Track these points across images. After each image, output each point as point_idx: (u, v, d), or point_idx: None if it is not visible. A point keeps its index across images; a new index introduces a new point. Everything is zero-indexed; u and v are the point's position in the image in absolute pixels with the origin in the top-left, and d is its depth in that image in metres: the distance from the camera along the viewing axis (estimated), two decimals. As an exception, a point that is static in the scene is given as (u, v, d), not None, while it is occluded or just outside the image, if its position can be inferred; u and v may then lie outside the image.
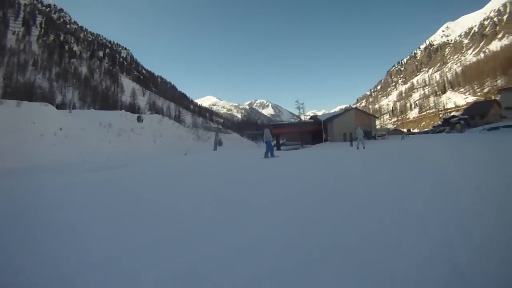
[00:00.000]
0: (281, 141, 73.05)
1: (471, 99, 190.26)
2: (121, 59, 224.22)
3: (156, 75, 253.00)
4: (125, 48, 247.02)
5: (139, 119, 63.16)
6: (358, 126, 32.57)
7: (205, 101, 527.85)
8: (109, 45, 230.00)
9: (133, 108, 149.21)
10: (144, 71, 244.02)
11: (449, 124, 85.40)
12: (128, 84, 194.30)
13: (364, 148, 25.42)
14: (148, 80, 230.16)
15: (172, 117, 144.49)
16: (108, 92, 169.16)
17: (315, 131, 70.42)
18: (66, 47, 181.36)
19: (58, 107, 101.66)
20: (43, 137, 58.50)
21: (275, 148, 26.52)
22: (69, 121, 69.41)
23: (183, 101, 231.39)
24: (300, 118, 74.97)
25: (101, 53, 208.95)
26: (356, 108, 71.82)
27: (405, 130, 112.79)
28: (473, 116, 79.00)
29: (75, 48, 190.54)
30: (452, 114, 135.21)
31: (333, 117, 70.24)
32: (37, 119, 62.53)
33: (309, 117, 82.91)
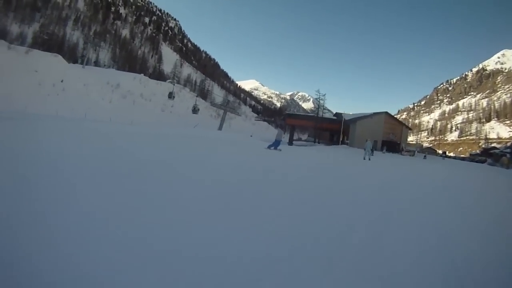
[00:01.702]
0: (301, 137, 62.05)
1: None
2: (167, 28, 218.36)
3: (202, 50, 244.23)
4: (175, 19, 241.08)
5: (170, 96, 55.83)
6: (372, 138, 32.64)
7: (247, 84, 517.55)
8: (159, 13, 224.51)
9: (163, 75, 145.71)
10: (189, 44, 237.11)
11: (491, 155, 78.19)
12: (168, 53, 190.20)
13: (369, 159, 24.79)
14: (190, 53, 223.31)
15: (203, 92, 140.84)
16: (144, 57, 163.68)
17: (334, 130, 61.33)
18: (113, 8, 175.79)
19: (84, 63, 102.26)
20: (40, 86, 57.97)
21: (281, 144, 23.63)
22: (74, 75, 66.74)
23: (222, 79, 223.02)
24: (317, 113, 62.75)
25: (147, 20, 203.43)
26: (387, 112, 58.44)
27: (440, 151, 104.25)
28: None
29: (122, 10, 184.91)
30: (493, 145, 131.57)
31: (357, 118, 59.59)
32: (41, 68, 61.62)
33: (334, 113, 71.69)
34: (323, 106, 62.41)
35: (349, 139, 57.67)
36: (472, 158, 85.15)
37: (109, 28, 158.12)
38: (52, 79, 58.83)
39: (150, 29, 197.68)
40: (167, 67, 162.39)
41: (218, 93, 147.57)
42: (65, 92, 58.98)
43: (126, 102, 74.66)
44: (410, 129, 67.48)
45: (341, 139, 56.66)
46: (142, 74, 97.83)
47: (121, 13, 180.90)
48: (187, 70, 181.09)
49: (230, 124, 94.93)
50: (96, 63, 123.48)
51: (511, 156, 62.79)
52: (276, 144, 21.80)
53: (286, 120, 68.79)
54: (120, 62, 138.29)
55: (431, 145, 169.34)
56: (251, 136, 53.10)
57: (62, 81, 59.90)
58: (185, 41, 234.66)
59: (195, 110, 56.37)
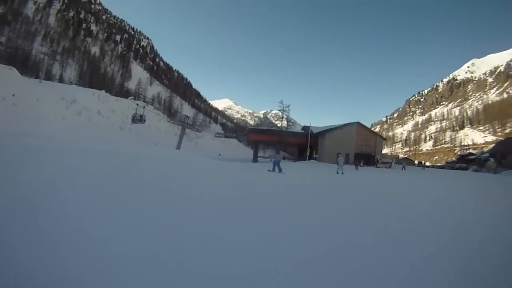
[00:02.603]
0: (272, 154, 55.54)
1: (490, 138, 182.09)
2: (138, 47, 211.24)
3: (174, 69, 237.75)
4: (147, 38, 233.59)
5: (134, 119, 47.59)
6: (344, 151, 33.22)
7: (221, 104, 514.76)
8: (131, 31, 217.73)
9: (129, 93, 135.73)
10: (161, 63, 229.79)
11: (471, 161, 78.09)
12: (138, 72, 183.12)
13: (343, 173, 24.21)
14: (162, 72, 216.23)
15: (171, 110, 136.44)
16: (113, 75, 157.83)
17: (302, 145, 53.57)
18: (84, 25, 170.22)
19: (49, 79, 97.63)
20: (-13, 100, 55.52)
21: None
22: (28, 89, 60.07)
23: (194, 98, 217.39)
24: (281, 126, 56.37)
25: (119, 37, 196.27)
26: (359, 123, 51.79)
27: (416, 162, 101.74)
28: (504, 155, 61.49)
29: (93, 27, 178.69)
30: (469, 151, 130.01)
31: (326, 130, 53.10)
32: (-8, 81, 59.76)
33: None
34: (287, 117, 55.43)
35: (318, 154, 51.06)
36: (452, 166, 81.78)
37: (79, 45, 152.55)
38: (2, 93, 52.72)
39: (121, 47, 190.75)
40: (135, 86, 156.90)
41: (187, 112, 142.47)
42: (15, 107, 53.17)
43: (81, 119, 68.47)
44: (384, 139, 61.13)
45: (308, 153, 49.21)
46: (103, 91, 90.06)
47: (92, 30, 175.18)
48: (157, 88, 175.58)
49: (197, 143, 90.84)
50: (61, 79, 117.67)
51: (495, 160, 57.91)
52: (276, 164, 19.82)
53: (248, 135, 61.04)
54: (86, 79, 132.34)
55: (406, 155, 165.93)
56: (219, 155, 52.74)
57: (13, 95, 54.04)
58: (157, 60, 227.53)
59: (134, 119, 47.14)
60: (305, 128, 59.77)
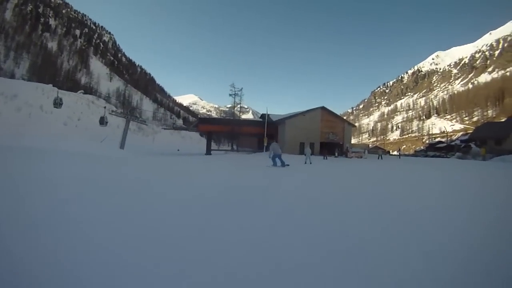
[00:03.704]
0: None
1: (458, 126, 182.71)
2: (99, 41, 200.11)
3: (137, 64, 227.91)
4: (109, 33, 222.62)
5: (103, 122, 44.55)
6: (307, 140, 28.87)
7: (186, 99, 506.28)
8: (92, 26, 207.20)
9: (87, 89, 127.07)
10: (123, 59, 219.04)
11: (444, 149, 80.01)
12: (98, 67, 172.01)
13: (311, 163, 22.39)
14: (123, 67, 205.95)
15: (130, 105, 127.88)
16: (70, 70, 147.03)
17: (260, 135, 45.57)
18: (42, 19, 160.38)
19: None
20: None
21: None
22: None
23: (157, 93, 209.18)
24: (234, 114, 48.07)
25: (78, 32, 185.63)
26: (323, 107, 43.71)
27: (395, 152, 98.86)
28: (485, 140, 57.74)
29: (52, 22, 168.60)
30: (437, 139, 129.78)
31: (287, 118, 45.27)
32: None
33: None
34: (240, 104, 47.04)
35: (277, 143, 42.61)
36: (426, 154, 77.48)
37: (35, 40, 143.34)
38: None
39: (80, 42, 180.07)
40: (91, 81, 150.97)
41: (148, 107, 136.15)
42: None
43: (20, 115, 59.75)
44: (353, 125, 53.56)
45: (265, 144, 40.91)
46: (51, 85, 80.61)
47: (50, 25, 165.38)
48: (117, 83, 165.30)
49: (154, 139, 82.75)
50: (13, 76, 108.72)
51: (477, 146, 55.60)
52: (276, 158, 17.86)
53: (198, 126, 51.66)
54: (40, 75, 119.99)
55: (375, 145, 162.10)
56: (178, 150, 49.10)
57: None
58: (119, 55, 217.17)
59: (103, 121, 43.33)
60: (264, 116, 51.56)
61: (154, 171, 13.20)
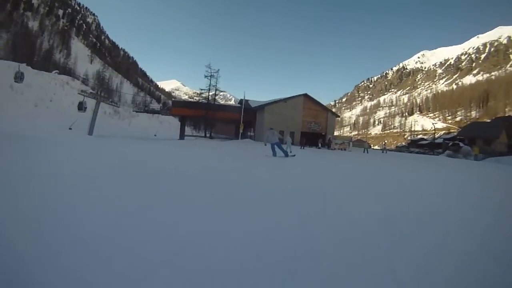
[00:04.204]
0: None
1: (440, 125, 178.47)
2: (81, 22, 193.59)
3: (120, 47, 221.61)
4: (93, 14, 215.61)
5: (81, 107, 39.55)
6: (287, 131, 24.87)
7: (168, 85, 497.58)
8: (76, 7, 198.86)
9: (68, 71, 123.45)
10: (107, 41, 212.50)
11: (427, 146, 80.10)
12: (80, 48, 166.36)
13: (291, 151, 17.77)
14: (106, 50, 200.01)
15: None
16: (51, 51, 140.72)
17: (237, 122, 40.49)
18: None
19: None
20: None
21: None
22: None
23: (139, 78, 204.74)
24: (208, 97, 43.74)
25: (61, 12, 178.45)
26: (306, 95, 40.15)
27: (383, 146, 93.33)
28: (473, 140, 55.97)
29: (34, 0, 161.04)
30: (419, 136, 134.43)
31: (266, 104, 41.13)
32: None
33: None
34: (216, 86, 43.09)
35: (255, 132, 40.27)
36: (410, 150, 78.51)
37: (16, 19, 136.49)
38: None
39: (63, 22, 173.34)
40: (72, 61, 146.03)
41: (129, 91, 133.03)
42: None
43: None
44: (337, 116, 50.15)
45: (241, 131, 37.27)
46: (25, 64, 75.99)
47: (33, 3, 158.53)
48: (98, 66, 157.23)
49: (130, 123, 78.81)
50: None
51: (466, 145, 52.89)
52: (276, 146, 14.68)
53: (172, 109, 47.63)
54: (19, 54, 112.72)
55: (356, 138, 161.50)
56: (155, 135, 46.39)
57: None
58: (102, 37, 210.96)
59: (81, 107, 38.81)
60: (244, 102, 47.83)
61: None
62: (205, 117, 40.43)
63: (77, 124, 40.35)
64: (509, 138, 57.01)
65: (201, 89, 43.35)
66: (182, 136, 45.00)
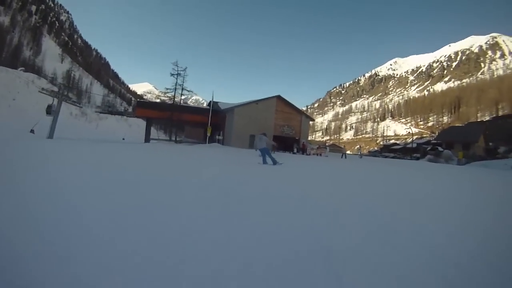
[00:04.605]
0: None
1: (413, 130, 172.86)
2: (54, 19, 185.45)
3: (93, 48, 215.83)
4: (67, 12, 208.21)
5: (50, 111, 33.45)
6: (263, 132, 16.54)
7: (140, 87, 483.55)
8: (50, 3, 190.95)
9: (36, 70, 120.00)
10: (79, 41, 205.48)
11: (399, 151, 77.77)
12: (51, 46, 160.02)
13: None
14: (78, 49, 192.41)
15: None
16: (20, 48, 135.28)
17: (204, 124, 37.43)
18: None
19: None
20: None
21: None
22: None
23: (110, 79, 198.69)
24: (174, 98, 40.48)
25: (34, 8, 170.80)
26: (279, 96, 37.24)
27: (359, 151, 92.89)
28: (451, 144, 54.80)
29: None
30: (392, 141, 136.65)
31: (236, 106, 38.62)
32: None
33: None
34: (182, 85, 39.79)
35: (224, 135, 36.73)
36: (385, 155, 75.70)
37: None
38: None
39: (35, 19, 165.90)
40: (40, 59, 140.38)
41: (98, 92, 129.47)
42: None
43: None
44: (312, 119, 47.37)
45: (208, 134, 34.22)
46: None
47: None
48: (68, 65, 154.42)
49: (97, 125, 77.20)
50: None
51: (445, 149, 51.83)
52: (264, 153, 13.19)
53: (136, 110, 43.91)
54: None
55: (331, 142, 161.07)
56: (123, 139, 41.75)
57: None
58: (75, 36, 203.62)
59: (50, 111, 33.25)
60: (214, 104, 44.54)
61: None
62: (170, 119, 37.22)
63: (42, 125, 37.06)
64: (487, 142, 56.60)
65: (167, 89, 39.77)
66: (147, 139, 41.43)
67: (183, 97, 41.98)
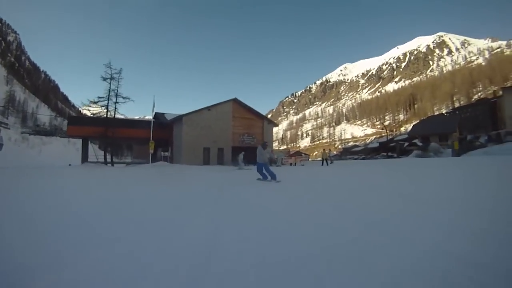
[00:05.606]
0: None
1: (370, 131, 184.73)
2: (0, 39, 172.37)
3: (42, 70, 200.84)
4: (15, 32, 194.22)
5: None
6: (214, 146, 21.56)
7: (94, 109, 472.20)
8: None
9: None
10: (27, 62, 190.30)
11: (360, 152, 74.71)
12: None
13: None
14: (25, 71, 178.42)
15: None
16: None
17: (147, 140, 29.31)
18: None
19: None
20: None
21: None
22: None
23: (56, 101, 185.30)
24: (108, 108, 32.18)
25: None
26: (236, 100, 29.99)
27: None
28: (427, 137, 50.91)
29: None
30: (350, 144, 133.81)
31: (184, 115, 30.51)
32: None
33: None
34: (116, 91, 31.53)
35: (171, 151, 30.66)
36: (356, 157, 70.09)
37: None
38: None
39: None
40: None
41: (46, 116, 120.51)
42: None
43: None
44: (276, 124, 40.37)
45: (151, 151, 26.74)
46: None
47: None
48: (14, 88, 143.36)
49: (41, 151, 69.78)
50: None
51: (423, 142, 48.87)
52: (261, 168, 11.24)
53: (68, 129, 34.95)
54: None
55: (297, 150, 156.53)
56: (70, 165, 35.05)
57: None
58: (23, 58, 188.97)
59: None
60: (159, 116, 36.51)
61: None
62: (104, 136, 29.29)
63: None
64: (461, 132, 53.62)
65: (99, 97, 30.72)
66: (85, 159, 33.29)
67: (101, 97, 32.32)
